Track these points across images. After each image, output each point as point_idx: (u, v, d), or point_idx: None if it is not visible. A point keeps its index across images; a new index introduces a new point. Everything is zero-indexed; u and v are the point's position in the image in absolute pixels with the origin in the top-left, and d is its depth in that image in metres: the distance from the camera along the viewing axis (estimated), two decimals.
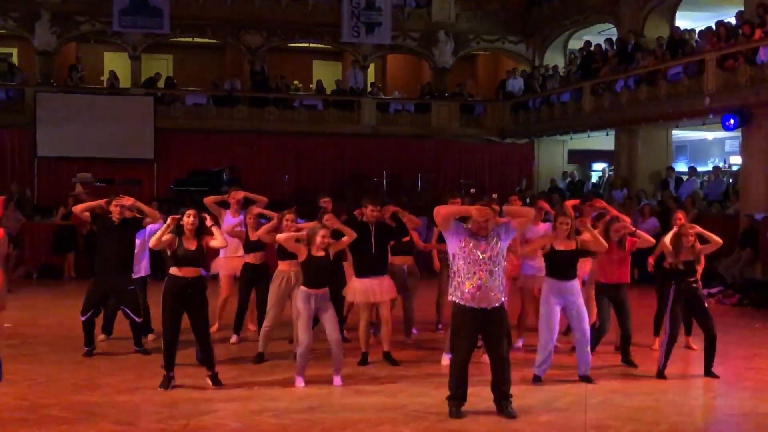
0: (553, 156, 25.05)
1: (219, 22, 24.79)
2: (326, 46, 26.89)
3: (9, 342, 9.15)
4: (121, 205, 8.56)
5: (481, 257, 6.46)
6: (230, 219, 9.92)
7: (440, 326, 10.30)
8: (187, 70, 27.17)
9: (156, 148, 22.33)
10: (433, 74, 26.27)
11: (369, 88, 25.79)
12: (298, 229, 8.03)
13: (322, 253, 7.57)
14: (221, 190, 14.84)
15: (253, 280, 9.48)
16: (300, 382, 7.52)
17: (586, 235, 7.81)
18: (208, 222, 7.64)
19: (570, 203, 9.90)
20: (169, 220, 7.45)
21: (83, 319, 8.60)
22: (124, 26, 23.64)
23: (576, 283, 7.88)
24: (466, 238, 6.52)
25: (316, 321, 7.86)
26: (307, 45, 27.18)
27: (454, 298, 6.61)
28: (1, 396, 6.89)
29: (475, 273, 6.46)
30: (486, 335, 6.67)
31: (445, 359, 8.22)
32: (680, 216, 9.03)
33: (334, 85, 26.35)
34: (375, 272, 8.37)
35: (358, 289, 8.37)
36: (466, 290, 6.48)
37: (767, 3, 15.55)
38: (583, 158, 25.16)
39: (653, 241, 8.65)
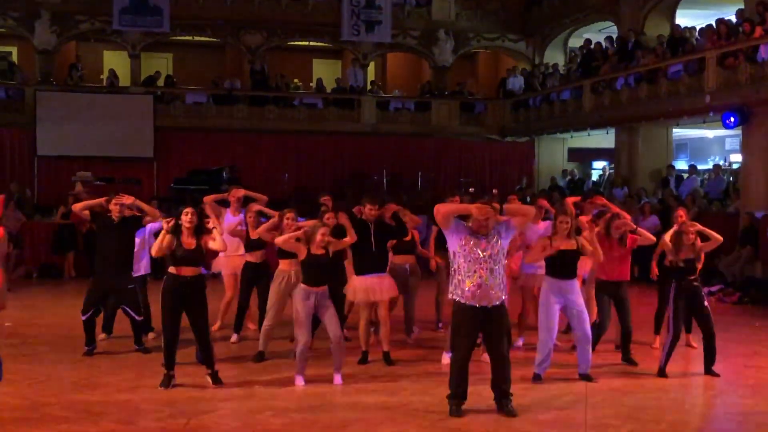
0: (553, 154, 25.04)
1: (219, 21, 24.78)
2: (326, 45, 26.88)
3: (9, 341, 9.15)
4: (120, 204, 8.55)
5: (481, 255, 6.46)
6: (230, 218, 9.90)
7: (440, 325, 10.29)
8: (186, 69, 27.17)
9: (156, 146, 22.32)
10: (433, 73, 26.26)
11: (369, 87, 25.79)
12: (299, 228, 8.02)
13: (321, 252, 7.56)
14: (221, 189, 14.82)
15: (254, 279, 9.47)
16: (300, 381, 7.52)
17: (586, 243, 7.81)
18: (210, 224, 7.63)
19: (571, 200, 9.91)
20: (164, 225, 7.45)
21: (84, 318, 8.59)
22: (124, 25, 23.64)
23: (576, 283, 7.88)
24: (466, 236, 6.52)
25: (318, 323, 7.87)
26: (306, 44, 27.17)
27: (454, 297, 6.61)
28: (2, 395, 6.89)
29: (475, 271, 6.46)
30: (486, 334, 6.67)
31: (446, 358, 8.22)
32: (681, 213, 9.03)
33: (334, 84, 26.35)
34: (375, 270, 8.37)
35: (359, 287, 8.36)
36: (467, 288, 6.48)
37: (767, 1, 15.54)
38: (584, 156, 25.15)
39: (654, 238, 8.65)
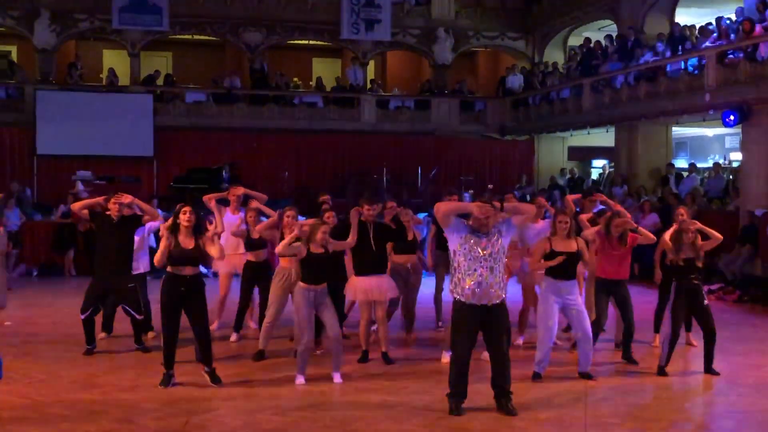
0: (553, 153, 25.03)
1: (218, 20, 24.78)
2: (326, 44, 26.85)
3: (9, 340, 9.14)
4: (119, 203, 8.54)
5: (481, 254, 6.46)
6: (230, 216, 9.88)
7: (440, 324, 10.29)
8: (186, 68, 27.16)
9: (155, 145, 22.30)
10: (433, 71, 26.25)
11: (369, 86, 25.78)
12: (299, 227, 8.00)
13: (321, 250, 7.56)
14: (221, 188, 14.82)
15: (255, 279, 9.46)
16: (301, 380, 7.52)
17: (584, 248, 7.84)
18: (211, 229, 7.61)
19: (571, 198, 9.92)
20: (162, 231, 7.46)
21: (83, 317, 8.58)
22: (124, 24, 23.64)
23: (575, 283, 7.87)
24: (466, 234, 6.51)
25: (319, 325, 7.86)
26: (306, 42, 27.17)
27: (454, 295, 6.61)
28: (2, 394, 6.90)
29: (475, 270, 6.46)
30: (486, 332, 6.66)
31: (446, 356, 8.22)
32: (682, 212, 9.02)
33: (333, 83, 26.34)
34: (374, 272, 8.38)
35: (358, 287, 8.37)
36: (467, 287, 6.48)
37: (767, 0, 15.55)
38: (583, 155, 25.12)
39: (654, 238, 8.64)
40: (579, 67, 22.15)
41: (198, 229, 7.41)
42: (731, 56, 15.78)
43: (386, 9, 24.82)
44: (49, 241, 16.40)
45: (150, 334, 9.42)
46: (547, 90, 23.21)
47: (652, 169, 19.77)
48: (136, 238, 9.05)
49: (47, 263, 16.34)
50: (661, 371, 8.07)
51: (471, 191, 19.19)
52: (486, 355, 7.26)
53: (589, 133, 22.02)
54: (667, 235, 8.35)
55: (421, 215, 13.19)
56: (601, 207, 9.62)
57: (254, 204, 9.55)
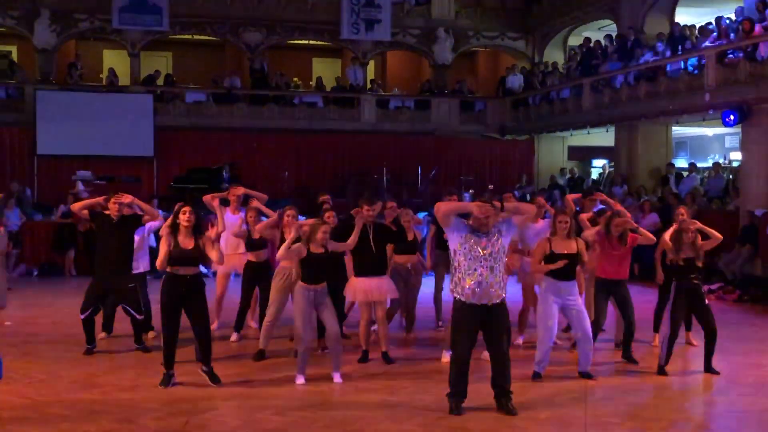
0: (553, 152, 25.03)
1: (218, 20, 24.77)
2: (326, 43, 26.84)
3: (9, 340, 9.14)
4: (119, 203, 8.54)
5: (481, 253, 6.46)
6: (230, 217, 9.87)
7: (440, 323, 10.30)
8: (186, 68, 27.15)
9: (156, 145, 22.29)
10: (433, 71, 26.25)
11: (369, 85, 25.78)
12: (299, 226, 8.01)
13: (321, 250, 7.56)
14: (221, 188, 14.83)
15: (256, 279, 9.45)
16: (301, 380, 7.53)
17: (584, 250, 7.84)
18: (212, 232, 7.60)
19: (571, 197, 9.92)
20: (163, 230, 7.47)
21: (82, 317, 8.58)
22: (124, 24, 23.64)
23: (575, 284, 7.87)
24: (466, 234, 6.52)
25: (322, 326, 7.86)
26: (306, 42, 27.16)
27: (455, 294, 6.61)
28: (2, 394, 6.90)
29: (475, 269, 6.46)
30: (486, 332, 6.66)
31: (445, 356, 8.22)
32: (682, 211, 9.02)
33: (333, 83, 26.33)
34: (374, 273, 8.38)
35: (358, 288, 8.37)
36: (467, 286, 6.48)
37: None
38: (583, 155, 25.13)
39: (654, 239, 8.63)
40: (579, 67, 22.16)
41: (198, 229, 7.41)
42: (731, 56, 15.80)
43: (386, 9, 24.82)
44: (49, 241, 16.42)
45: (150, 334, 9.42)
46: (547, 90, 23.21)
47: (652, 169, 19.77)
48: (136, 238, 9.06)
49: (47, 263, 16.35)
50: (661, 371, 8.08)
51: (471, 191, 19.19)
52: (486, 354, 7.26)
53: (589, 133, 22.03)
54: (667, 235, 8.35)
55: (421, 215, 13.21)
56: (602, 206, 9.62)
57: (254, 203, 9.54)
